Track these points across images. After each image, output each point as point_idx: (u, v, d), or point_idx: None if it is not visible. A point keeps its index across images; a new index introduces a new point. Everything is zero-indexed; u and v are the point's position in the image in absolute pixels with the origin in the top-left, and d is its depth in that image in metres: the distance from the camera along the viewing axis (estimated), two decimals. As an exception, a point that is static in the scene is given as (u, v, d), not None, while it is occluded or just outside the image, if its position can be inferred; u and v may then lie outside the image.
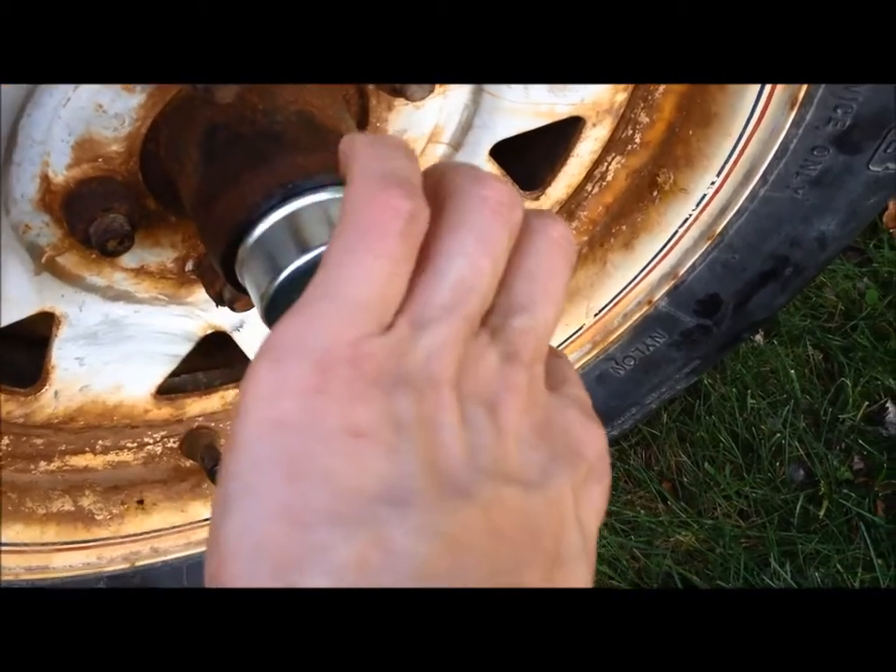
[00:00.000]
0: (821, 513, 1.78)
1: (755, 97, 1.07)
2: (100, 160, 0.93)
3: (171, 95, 0.91)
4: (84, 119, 0.90)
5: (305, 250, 0.87)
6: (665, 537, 1.75)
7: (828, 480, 1.81)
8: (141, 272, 1.05)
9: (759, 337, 1.97)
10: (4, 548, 1.16)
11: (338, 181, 0.89)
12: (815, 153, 1.10)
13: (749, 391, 1.89)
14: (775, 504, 1.79)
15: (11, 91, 0.84)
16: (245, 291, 0.92)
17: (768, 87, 1.05)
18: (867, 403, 1.91)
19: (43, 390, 1.11)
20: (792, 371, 1.92)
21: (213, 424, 1.28)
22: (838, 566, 1.71)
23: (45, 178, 0.93)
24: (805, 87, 1.03)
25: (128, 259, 1.03)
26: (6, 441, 1.15)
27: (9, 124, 0.87)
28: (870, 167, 1.13)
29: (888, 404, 1.91)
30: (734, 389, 1.89)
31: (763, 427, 1.86)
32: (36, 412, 1.13)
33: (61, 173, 0.93)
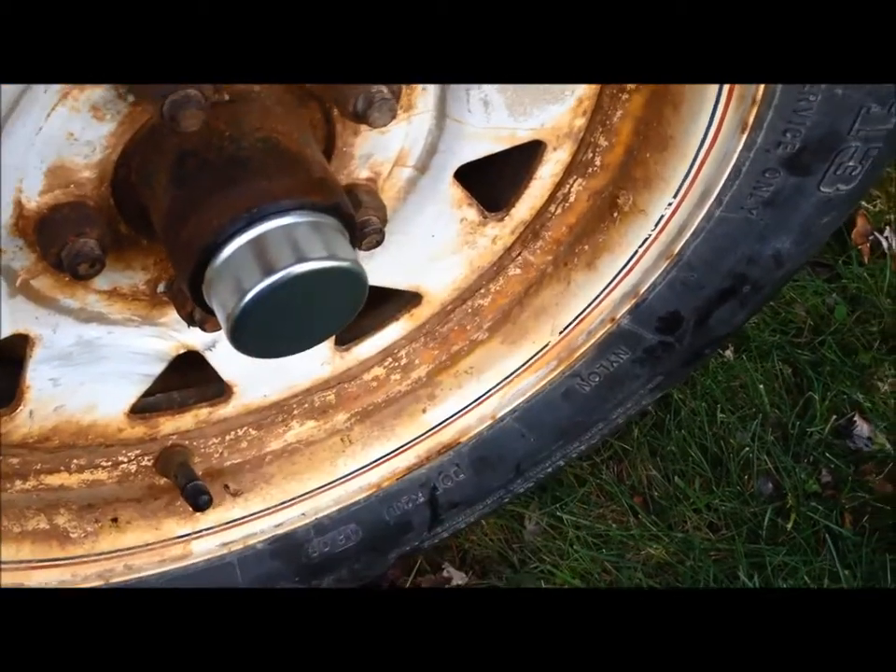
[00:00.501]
0: (789, 526, 1.80)
1: (707, 121, 1.10)
2: (72, 185, 0.96)
3: (140, 124, 0.94)
4: (56, 146, 0.92)
5: (270, 272, 0.90)
6: (636, 550, 1.77)
7: (796, 493, 1.83)
8: (114, 294, 1.08)
9: (728, 352, 2.00)
10: (-20, 566, 1.18)
11: (302, 205, 0.92)
12: (766, 175, 1.14)
13: (719, 405, 1.92)
14: (743, 517, 1.81)
15: (-15, 121, 0.87)
16: (212, 312, 0.95)
17: (720, 111, 1.09)
18: (835, 417, 1.93)
19: (18, 410, 1.13)
20: (761, 386, 1.95)
21: (187, 442, 1.30)
22: (805, 577, 1.73)
23: (18, 204, 0.95)
24: (754, 111, 1.06)
25: (100, 282, 1.05)
26: (-19, 460, 1.17)
27: (-17, 152, 0.90)
28: (821, 188, 1.16)
29: (855, 418, 1.94)
30: (703, 404, 1.92)
31: (732, 440, 1.89)
32: (11, 431, 1.15)
33: (33, 199, 0.95)
